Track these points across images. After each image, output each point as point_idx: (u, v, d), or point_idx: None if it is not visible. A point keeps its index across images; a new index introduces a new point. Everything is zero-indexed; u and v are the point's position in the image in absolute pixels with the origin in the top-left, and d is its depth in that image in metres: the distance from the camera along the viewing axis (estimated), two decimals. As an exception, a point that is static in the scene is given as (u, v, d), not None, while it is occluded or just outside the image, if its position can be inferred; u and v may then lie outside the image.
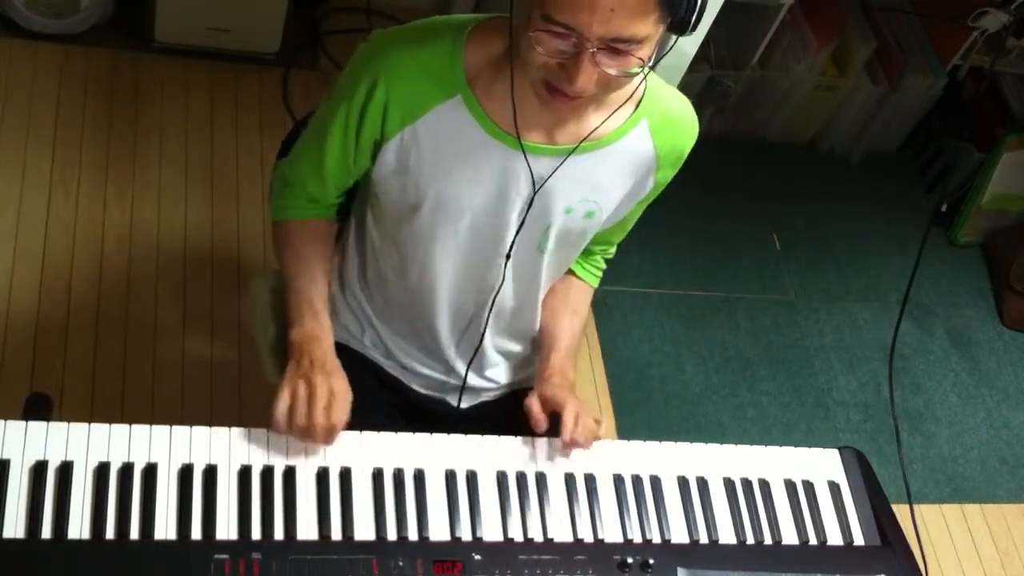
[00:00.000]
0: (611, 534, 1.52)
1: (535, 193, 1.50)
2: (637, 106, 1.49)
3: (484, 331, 1.70)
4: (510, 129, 1.45)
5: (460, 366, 1.76)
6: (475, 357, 1.74)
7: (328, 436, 1.47)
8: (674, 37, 1.33)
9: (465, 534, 1.46)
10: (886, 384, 3.02)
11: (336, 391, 1.50)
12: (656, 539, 1.53)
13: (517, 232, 1.55)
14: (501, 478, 1.53)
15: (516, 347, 1.79)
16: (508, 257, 1.58)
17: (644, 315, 2.97)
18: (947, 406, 3.11)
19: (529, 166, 1.47)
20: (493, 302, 1.65)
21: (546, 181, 1.49)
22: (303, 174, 1.61)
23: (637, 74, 1.32)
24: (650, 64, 1.33)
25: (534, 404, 1.59)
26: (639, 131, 1.51)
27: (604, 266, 1.81)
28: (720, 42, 3.21)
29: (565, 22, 1.25)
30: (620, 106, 1.44)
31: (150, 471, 1.40)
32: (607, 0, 1.22)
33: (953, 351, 3.25)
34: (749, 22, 3.11)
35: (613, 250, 1.80)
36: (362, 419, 1.55)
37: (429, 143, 1.47)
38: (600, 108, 1.44)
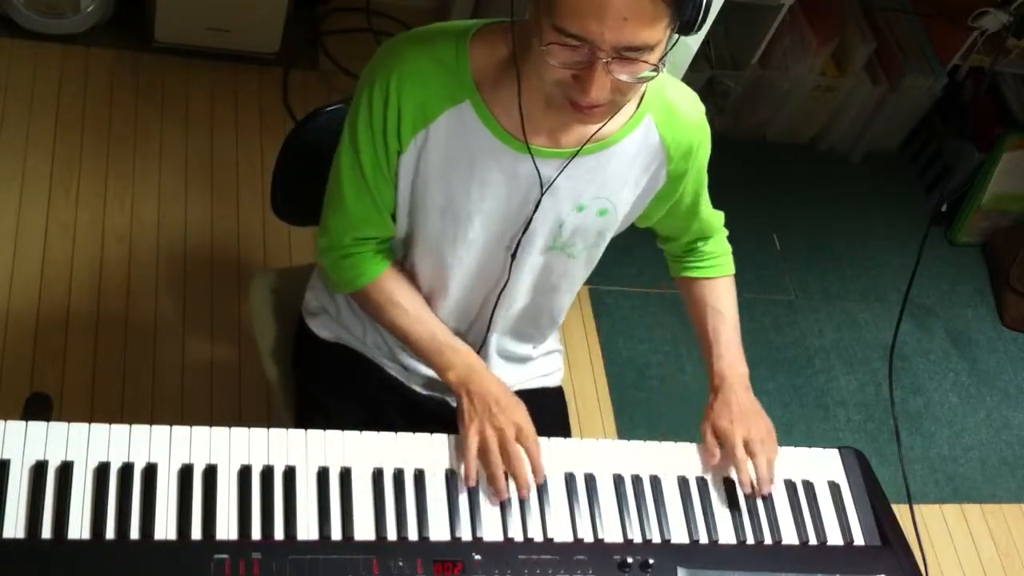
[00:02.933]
0: (611, 534, 1.52)
1: (542, 195, 1.50)
2: (640, 102, 1.49)
3: (488, 333, 1.70)
4: (516, 132, 1.45)
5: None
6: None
7: (537, 476, 1.51)
8: (677, 36, 1.33)
9: (465, 534, 1.46)
10: (886, 384, 3.02)
11: (521, 424, 1.52)
12: (656, 539, 1.53)
13: (523, 232, 1.55)
14: (501, 478, 1.53)
15: (519, 349, 1.79)
16: (513, 257, 1.58)
17: (644, 315, 2.97)
18: (947, 406, 3.11)
19: (537, 169, 1.48)
20: (497, 302, 1.65)
21: (552, 183, 1.49)
22: (357, 220, 1.56)
23: (650, 79, 1.32)
24: (663, 68, 1.34)
25: (708, 436, 1.62)
26: (644, 126, 1.51)
27: (724, 249, 1.80)
28: (720, 42, 3.21)
29: (577, 33, 1.25)
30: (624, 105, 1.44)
31: (150, 471, 1.39)
32: (619, 9, 1.22)
33: (953, 351, 3.25)
34: (749, 22, 3.11)
35: (718, 237, 1.80)
36: (362, 419, 1.55)
37: (439, 147, 1.47)
38: None
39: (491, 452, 1.49)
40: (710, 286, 1.78)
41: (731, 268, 1.81)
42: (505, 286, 1.63)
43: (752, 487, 1.60)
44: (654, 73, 1.30)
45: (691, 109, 1.56)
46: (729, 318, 1.76)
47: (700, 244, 1.79)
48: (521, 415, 1.53)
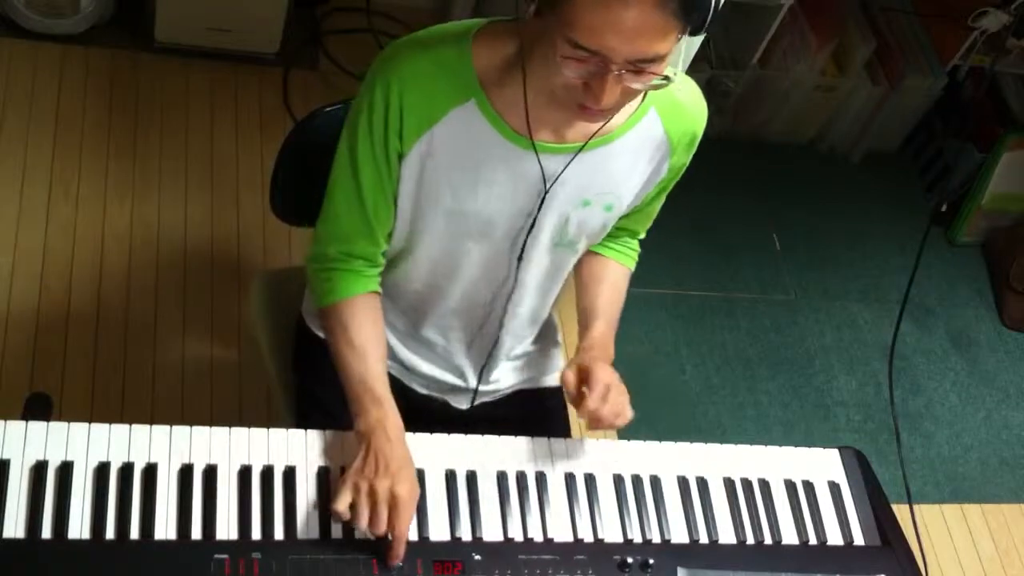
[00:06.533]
0: (611, 534, 1.52)
1: (547, 191, 1.51)
2: (644, 95, 1.50)
3: (499, 337, 1.70)
4: (521, 129, 1.46)
5: (466, 367, 1.76)
6: (488, 363, 1.74)
7: (392, 547, 1.41)
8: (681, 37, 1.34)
9: (465, 534, 1.46)
10: (886, 384, 3.02)
11: (399, 496, 1.42)
12: (656, 539, 1.53)
13: (529, 232, 1.55)
14: (501, 478, 1.53)
15: (521, 348, 1.79)
16: (520, 259, 1.58)
17: (644, 315, 2.97)
18: (947, 406, 3.11)
19: (541, 165, 1.48)
20: (507, 305, 1.65)
21: (557, 179, 1.50)
22: (345, 229, 1.54)
23: (660, 87, 1.33)
24: (674, 77, 1.34)
25: (569, 376, 1.56)
26: (649, 119, 1.52)
27: (638, 249, 1.79)
28: (720, 42, 3.21)
29: (591, 47, 1.26)
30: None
31: (150, 471, 1.40)
32: (631, 25, 1.23)
33: (953, 351, 3.25)
34: (749, 22, 3.11)
35: (638, 239, 1.79)
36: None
37: (445, 148, 1.47)
38: None
39: (358, 513, 1.41)
40: (615, 268, 1.75)
41: (634, 265, 1.79)
42: (513, 289, 1.62)
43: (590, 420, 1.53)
44: (664, 82, 1.32)
45: (693, 98, 1.57)
46: (620, 303, 1.73)
47: (626, 236, 1.77)
48: (406, 489, 1.44)
